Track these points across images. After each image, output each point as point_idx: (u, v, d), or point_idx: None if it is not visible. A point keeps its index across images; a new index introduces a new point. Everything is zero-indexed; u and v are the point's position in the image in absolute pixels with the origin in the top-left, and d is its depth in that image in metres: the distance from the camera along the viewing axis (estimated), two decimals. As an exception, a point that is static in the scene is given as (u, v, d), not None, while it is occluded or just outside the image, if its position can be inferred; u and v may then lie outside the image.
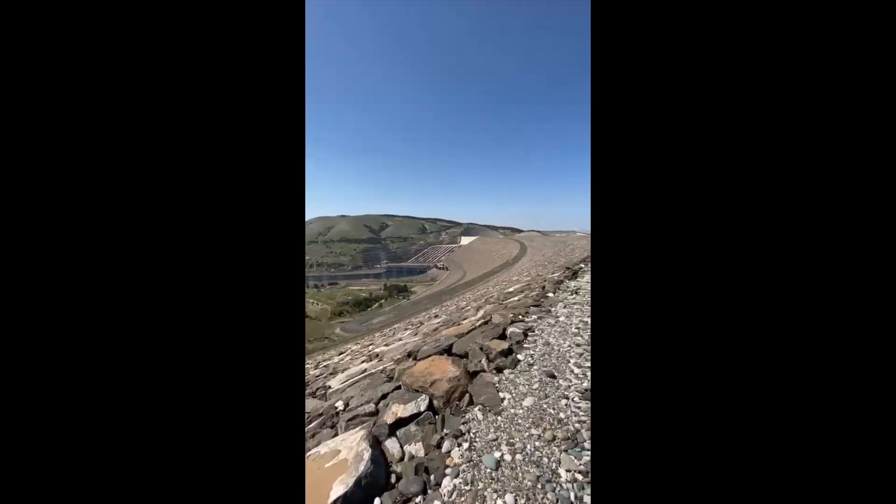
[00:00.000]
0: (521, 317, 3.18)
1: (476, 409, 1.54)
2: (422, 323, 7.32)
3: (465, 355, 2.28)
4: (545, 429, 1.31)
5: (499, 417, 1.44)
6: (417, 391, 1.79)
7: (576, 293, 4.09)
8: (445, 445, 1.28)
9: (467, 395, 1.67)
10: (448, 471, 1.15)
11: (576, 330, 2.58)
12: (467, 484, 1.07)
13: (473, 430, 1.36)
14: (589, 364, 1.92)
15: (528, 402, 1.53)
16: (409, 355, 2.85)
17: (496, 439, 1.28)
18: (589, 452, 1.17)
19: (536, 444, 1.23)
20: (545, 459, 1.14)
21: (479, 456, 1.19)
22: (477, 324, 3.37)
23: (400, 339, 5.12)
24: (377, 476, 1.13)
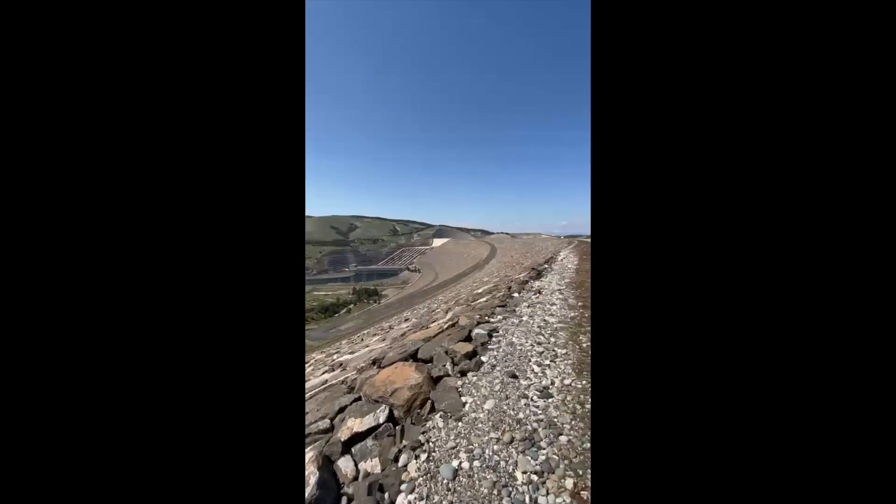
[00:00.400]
0: (487, 317, 3.22)
1: (437, 416, 1.50)
2: (392, 327, 7.12)
3: (430, 360, 2.23)
4: (504, 431, 1.31)
5: (459, 423, 1.41)
6: (378, 401, 1.70)
7: (539, 293, 4.26)
8: (402, 459, 1.22)
9: (429, 402, 1.62)
10: (403, 486, 1.09)
11: (537, 329, 2.67)
12: (422, 499, 1.02)
13: (433, 439, 1.32)
14: (548, 362, 1.99)
15: (489, 404, 1.52)
16: (373, 363, 2.72)
17: (455, 447, 1.25)
18: (545, 451, 1.19)
19: (495, 447, 1.22)
20: (502, 463, 1.14)
21: (437, 467, 1.15)
22: (444, 326, 3.35)
23: (367, 346, 4.92)
24: (324, 501, 1.03)
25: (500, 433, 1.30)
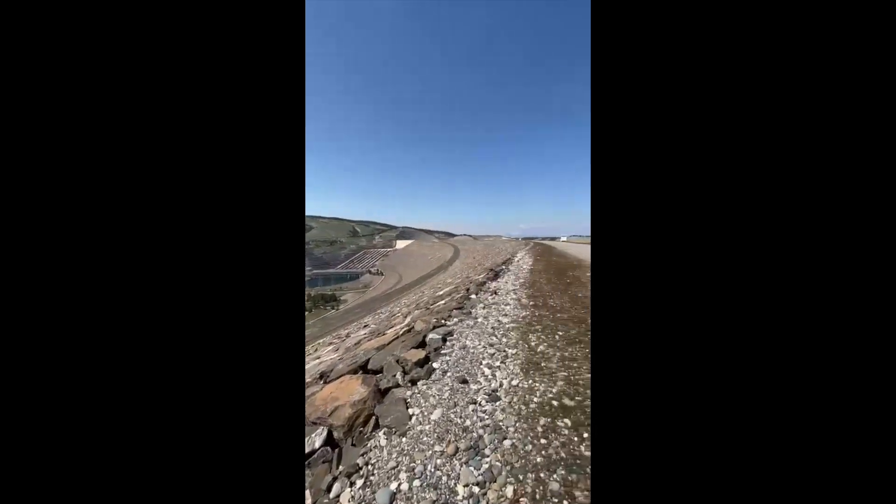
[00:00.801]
0: (443, 321, 3.18)
1: (381, 433, 1.40)
2: (349, 335, 6.72)
3: (380, 370, 2.11)
4: (449, 442, 1.27)
5: (404, 439, 1.33)
6: (316, 423, 1.53)
7: (495, 293, 4.38)
8: (336, 488, 1.10)
9: (373, 418, 1.51)
10: (333, 521, 0.97)
11: (491, 330, 2.71)
12: (353, 533, 0.92)
13: (374, 461, 1.22)
14: (498, 364, 2.02)
15: (436, 414, 1.47)
16: (320, 377, 2.49)
17: (397, 466, 1.17)
18: (488, 458, 1.17)
19: (438, 461, 1.17)
20: (444, 478, 1.09)
21: (374, 493, 1.06)
22: (400, 332, 3.23)
23: (318, 358, 4.54)
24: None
25: (444, 445, 1.25)
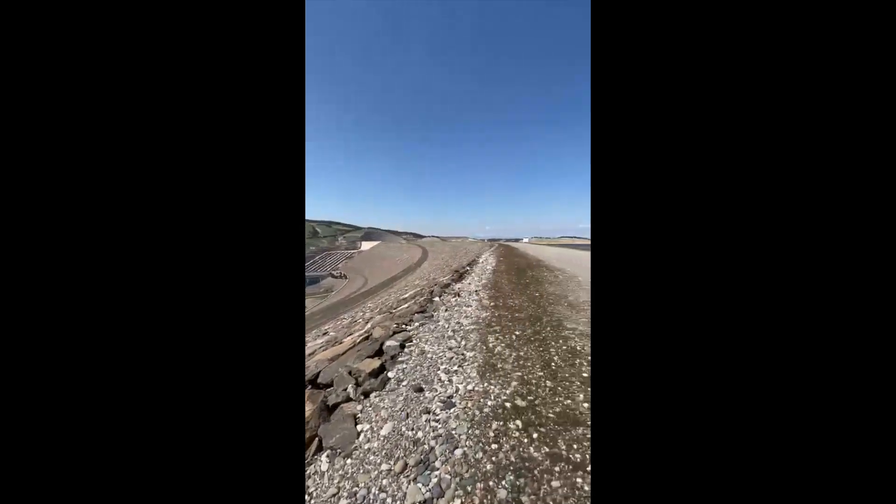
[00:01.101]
0: (404, 325, 3.09)
1: (324, 455, 1.27)
2: (306, 344, 6.23)
3: (330, 384, 1.95)
4: (398, 459, 1.20)
5: (348, 460, 1.22)
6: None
7: (458, 295, 4.40)
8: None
9: (316, 440, 1.37)
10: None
11: (451, 333, 2.69)
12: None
13: (311, 489, 1.09)
14: (456, 368, 1.99)
15: (386, 429, 1.39)
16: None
17: (337, 493, 1.06)
18: (438, 471, 1.12)
19: (384, 482, 1.09)
20: (389, 500, 1.02)
21: (308, 528, 0.94)
22: (358, 340, 3.06)
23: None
24: None
25: (393, 462, 1.18)
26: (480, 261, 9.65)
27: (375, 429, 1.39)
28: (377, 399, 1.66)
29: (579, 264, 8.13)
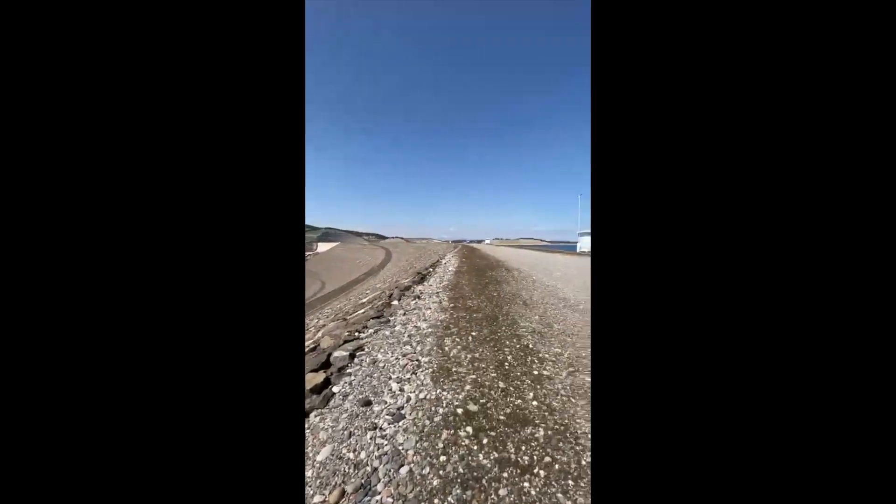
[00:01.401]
0: (357, 333, 2.89)
1: (244, 496, 1.08)
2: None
3: (264, 406, 1.70)
4: (334, 487, 1.06)
5: (273, 498, 1.05)
6: None
7: (418, 297, 4.29)
8: None
9: (235, 477, 1.16)
10: None
11: (407, 338, 2.58)
12: None
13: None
14: (409, 376, 1.90)
15: (323, 454, 1.24)
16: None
17: (254, 542, 0.90)
18: (379, 495, 1.02)
19: (315, 518, 0.95)
20: (318, 541, 0.88)
21: None
22: (304, 352, 2.78)
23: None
24: None
25: (328, 492, 1.04)
26: (443, 262, 9.67)
27: (310, 455, 1.23)
28: (317, 419, 1.48)
29: (535, 264, 8.60)
